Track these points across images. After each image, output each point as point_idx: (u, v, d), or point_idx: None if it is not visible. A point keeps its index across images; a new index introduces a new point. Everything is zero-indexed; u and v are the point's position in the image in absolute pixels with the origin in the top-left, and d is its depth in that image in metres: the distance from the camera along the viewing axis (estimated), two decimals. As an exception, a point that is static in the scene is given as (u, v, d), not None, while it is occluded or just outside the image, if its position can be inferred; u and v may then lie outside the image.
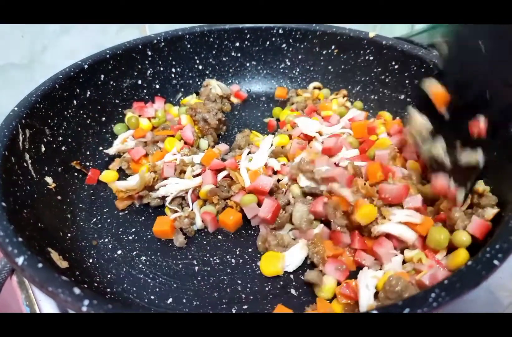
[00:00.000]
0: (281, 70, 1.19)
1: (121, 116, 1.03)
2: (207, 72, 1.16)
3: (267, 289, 0.70)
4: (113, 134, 1.01)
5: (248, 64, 1.19)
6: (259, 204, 0.78)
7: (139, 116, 1.02)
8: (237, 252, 0.77)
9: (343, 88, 1.13)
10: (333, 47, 1.11)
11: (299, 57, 1.16)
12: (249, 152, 0.91)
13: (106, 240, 0.79)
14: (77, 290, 0.49)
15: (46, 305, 0.77)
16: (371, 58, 1.07)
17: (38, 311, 0.77)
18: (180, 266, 0.74)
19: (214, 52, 1.14)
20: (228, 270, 0.74)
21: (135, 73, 1.05)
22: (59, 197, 0.82)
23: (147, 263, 0.75)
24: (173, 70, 1.11)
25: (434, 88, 0.69)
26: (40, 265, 0.53)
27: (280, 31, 1.13)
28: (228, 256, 0.76)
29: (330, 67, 1.14)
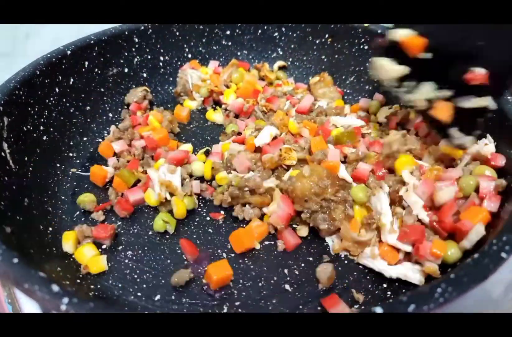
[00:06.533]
0: (273, 60, 1.15)
1: (106, 105, 0.99)
2: (197, 61, 1.11)
3: (260, 284, 0.67)
4: (98, 125, 0.96)
5: (239, 53, 1.15)
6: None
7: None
8: (228, 246, 0.73)
9: (336, 78, 1.09)
10: (326, 36, 1.08)
11: (292, 46, 1.13)
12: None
13: (90, 234, 0.75)
14: (55, 287, 0.46)
15: (27, 303, 0.73)
16: (366, 47, 1.04)
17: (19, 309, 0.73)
18: (169, 261, 0.71)
19: (204, 40, 1.10)
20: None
21: (121, 61, 1.00)
22: (39, 189, 0.77)
23: (134, 258, 0.71)
24: (161, 58, 1.07)
25: (405, 35, 0.71)
26: (15, 260, 0.49)
27: (272, 19, 1.09)
28: (219, 251, 0.73)
29: (323, 56, 1.11)
